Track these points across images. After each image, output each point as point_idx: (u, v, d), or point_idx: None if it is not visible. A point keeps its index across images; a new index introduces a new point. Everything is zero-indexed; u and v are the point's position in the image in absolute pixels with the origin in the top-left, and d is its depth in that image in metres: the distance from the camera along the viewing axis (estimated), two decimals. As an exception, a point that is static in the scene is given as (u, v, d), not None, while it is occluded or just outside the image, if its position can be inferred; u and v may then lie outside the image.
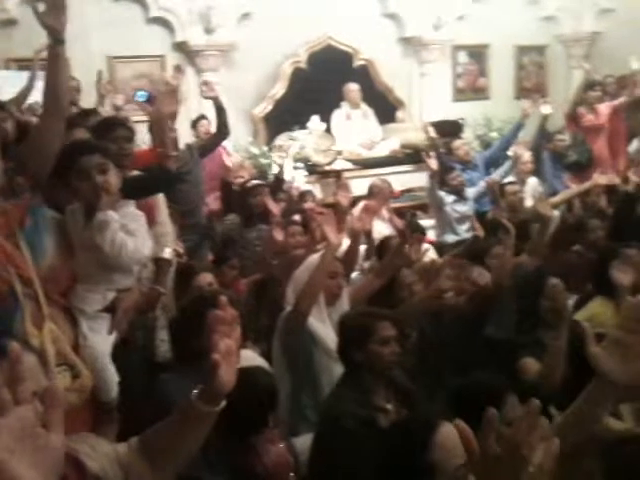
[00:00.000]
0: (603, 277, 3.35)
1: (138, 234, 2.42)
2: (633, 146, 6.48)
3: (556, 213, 5.03)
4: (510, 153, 6.18)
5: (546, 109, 6.40)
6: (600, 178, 4.50)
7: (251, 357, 2.71)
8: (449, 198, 5.68)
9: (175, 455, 1.48)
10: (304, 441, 2.57)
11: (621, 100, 6.69)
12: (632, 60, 6.47)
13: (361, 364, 2.53)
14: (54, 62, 2.38)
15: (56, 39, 2.33)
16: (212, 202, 5.71)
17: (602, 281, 3.34)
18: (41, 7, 2.27)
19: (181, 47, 7.11)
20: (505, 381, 2.21)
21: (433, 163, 5.57)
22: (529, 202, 5.37)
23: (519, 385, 2.69)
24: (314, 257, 3.12)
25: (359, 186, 5.69)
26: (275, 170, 6.48)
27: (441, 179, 5.76)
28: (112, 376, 2.46)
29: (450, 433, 1.70)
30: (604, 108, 6.68)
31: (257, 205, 4.84)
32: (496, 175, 5.94)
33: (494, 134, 7.77)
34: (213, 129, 5.37)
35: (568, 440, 1.75)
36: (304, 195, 5.57)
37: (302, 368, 2.92)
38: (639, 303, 1.73)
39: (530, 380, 2.83)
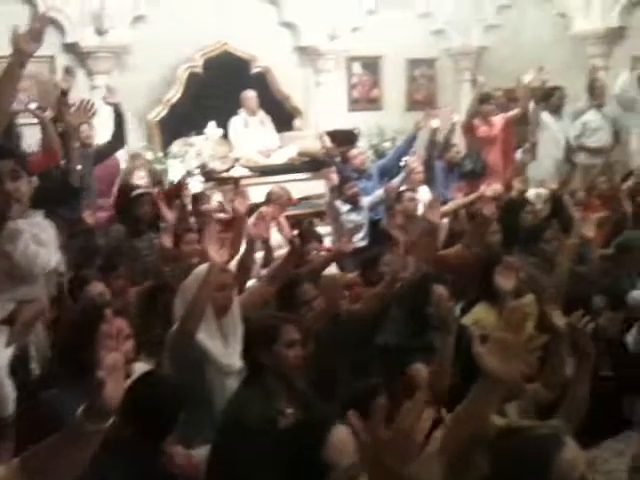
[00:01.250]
0: (487, 283, 3.52)
1: (48, 245, 2.35)
2: (517, 156, 6.83)
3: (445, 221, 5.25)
4: (402, 163, 6.36)
5: (436, 123, 6.66)
6: (487, 190, 4.72)
7: (144, 370, 2.65)
8: (344, 207, 5.79)
9: (58, 476, 1.42)
10: (200, 453, 2.55)
11: (514, 112, 7.05)
12: (524, 75, 6.81)
13: (266, 366, 2.55)
14: (9, 78, 2.32)
15: (22, 62, 2.28)
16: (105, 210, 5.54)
17: (486, 287, 3.51)
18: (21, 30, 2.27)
19: (72, 48, 6.87)
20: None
21: (334, 177, 5.67)
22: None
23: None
24: (203, 267, 3.07)
25: (257, 193, 5.70)
26: (171, 176, 6.37)
27: (338, 189, 5.86)
28: (8, 391, 2.35)
29: (343, 434, 1.74)
30: (498, 120, 6.97)
31: (145, 214, 4.74)
32: (393, 184, 6.12)
33: (387, 144, 7.98)
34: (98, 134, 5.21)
35: (458, 438, 1.84)
36: (198, 198, 5.49)
37: (194, 386, 2.87)
38: (519, 306, 1.85)
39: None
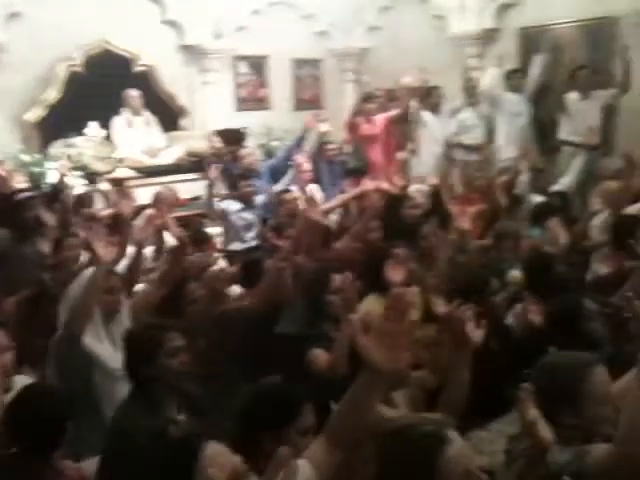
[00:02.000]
0: (376, 275, 3.64)
1: None
2: (399, 154, 7.06)
3: (333, 217, 5.35)
4: (291, 163, 6.43)
5: (324, 127, 6.79)
6: (368, 184, 4.85)
7: (25, 383, 2.54)
8: (234, 206, 5.77)
9: None
10: (90, 465, 2.48)
11: (394, 112, 7.28)
12: (404, 75, 7.05)
13: (150, 378, 2.49)
14: None
15: None
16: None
17: (375, 279, 3.62)
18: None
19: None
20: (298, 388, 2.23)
21: (212, 172, 5.62)
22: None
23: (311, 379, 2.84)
24: (89, 271, 2.99)
25: (144, 195, 5.58)
26: (50, 179, 6.12)
27: (230, 187, 5.82)
28: None
29: (215, 450, 1.76)
30: (380, 119, 7.19)
31: (30, 218, 4.54)
32: (281, 184, 6.17)
33: (275, 143, 8.02)
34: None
35: (344, 429, 1.88)
36: (81, 201, 5.31)
37: (81, 392, 2.79)
38: (400, 294, 1.91)
39: (320, 371, 2.96)
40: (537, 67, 7.01)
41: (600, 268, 4.14)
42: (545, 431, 1.70)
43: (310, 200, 4.20)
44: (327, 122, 6.89)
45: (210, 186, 5.79)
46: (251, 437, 1.96)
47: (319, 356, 3.01)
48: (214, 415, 2.68)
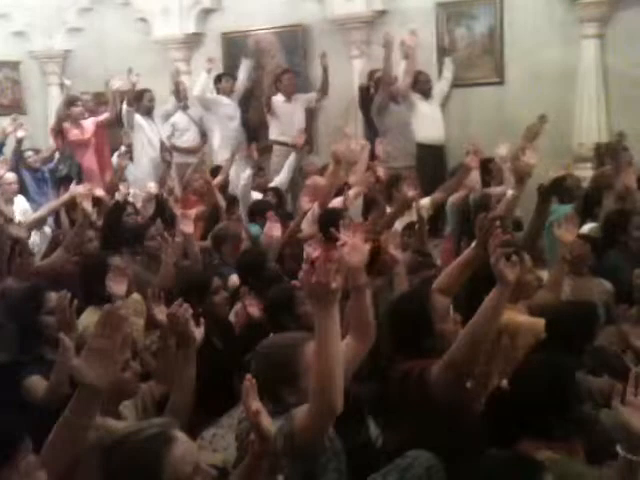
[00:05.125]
0: (95, 287, 3.49)
1: None
2: (113, 159, 6.87)
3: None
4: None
5: (21, 133, 6.36)
6: (77, 189, 4.62)
7: None
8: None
9: None
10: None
11: (104, 116, 7.04)
12: (112, 79, 6.86)
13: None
14: None
15: None
16: None
17: (93, 292, 3.48)
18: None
19: None
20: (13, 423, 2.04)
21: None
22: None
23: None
24: None
25: None
26: None
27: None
28: None
29: None
30: (89, 123, 6.94)
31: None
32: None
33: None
34: None
35: (62, 451, 1.79)
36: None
37: None
38: (111, 309, 1.87)
39: (38, 398, 2.76)
40: (244, 71, 7.29)
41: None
42: (267, 422, 1.79)
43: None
44: (24, 128, 6.43)
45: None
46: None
47: (35, 383, 2.80)
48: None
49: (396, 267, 3.32)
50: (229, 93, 7.21)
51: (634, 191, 4.29)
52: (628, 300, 3.08)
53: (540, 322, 2.72)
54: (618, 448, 1.67)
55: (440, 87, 6.72)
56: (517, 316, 2.91)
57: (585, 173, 5.45)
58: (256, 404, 1.79)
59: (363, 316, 2.30)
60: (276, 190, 5.91)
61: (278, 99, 7.02)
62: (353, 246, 2.21)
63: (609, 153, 5.08)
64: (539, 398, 2.10)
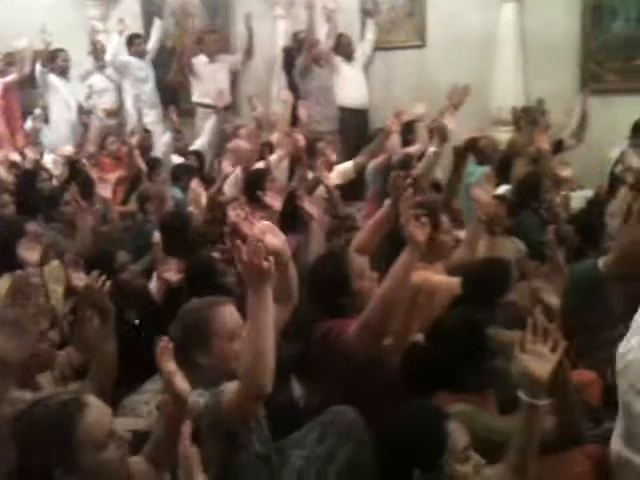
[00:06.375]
0: (8, 254, 3.35)
1: None
2: (28, 122, 6.61)
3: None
4: None
5: None
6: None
7: None
8: None
9: None
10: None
11: (12, 77, 6.72)
12: (19, 38, 6.53)
13: None
14: None
15: None
16: None
17: (7, 258, 3.34)
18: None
19: None
20: None
21: None
22: None
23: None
24: None
25: None
26: None
27: None
28: None
29: None
30: (-3, 85, 6.62)
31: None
32: None
33: None
34: None
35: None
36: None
37: None
38: (22, 276, 1.82)
39: None
40: (156, 32, 7.10)
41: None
42: (181, 382, 1.78)
43: None
44: None
45: None
46: None
47: None
48: None
49: (311, 223, 3.35)
50: (142, 54, 7.01)
51: (547, 154, 4.43)
52: (539, 258, 3.20)
53: (455, 281, 2.80)
54: (520, 394, 1.75)
55: (362, 50, 6.72)
56: (434, 275, 2.98)
57: (504, 136, 5.59)
58: (170, 365, 1.78)
59: (285, 283, 2.31)
60: (197, 153, 5.81)
61: (200, 60, 6.87)
62: (269, 230, 2.17)
63: (528, 118, 5.20)
64: (452, 352, 2.18)
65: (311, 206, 3.36)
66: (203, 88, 6.87)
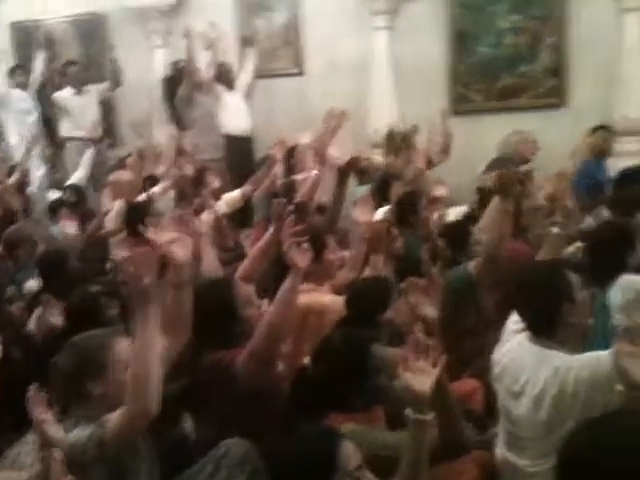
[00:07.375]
0: None
1: None
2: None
3: None
4: None
5: None
6: None
7: None
8: None
9: None
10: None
11: None
12: None
13: None
14: None
15: None
16: None
17: None
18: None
19: None
20: None
21: None
22: None
23: None
24: None
25: None
26: None
27: None
28: None
29: None
30: None
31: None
32: None
33: None
34: None
35: None
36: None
37: None
38: None
39: None
40: (39, 63, 6.87)
41: (118, 252, 4.28)
42: (54, 430, 1.72)
43: None
44: None
45: None
46: None
47: None
48: None
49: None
50: (24, 86, 6.75)
51: (423, 174, 4.61)
52: (418, 274, 3.30)
53: (341, 300, 2.85)
54: (406, 411, 1.81)
55: (243, 78, 6.75)
56: (323, 296, 3.03)
57: (381, 158, 5.76)
58: (41, 413, 1.73)
59: (183, 311, 2.29)
60: (74, 187, 5.63)
61: (64, 94, 6.67)
62: (178, 241, 2.16)
63: (404, 143, 5.38)
64: (337, 372, 2.21)
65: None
66: (73, 121, 6.65)
